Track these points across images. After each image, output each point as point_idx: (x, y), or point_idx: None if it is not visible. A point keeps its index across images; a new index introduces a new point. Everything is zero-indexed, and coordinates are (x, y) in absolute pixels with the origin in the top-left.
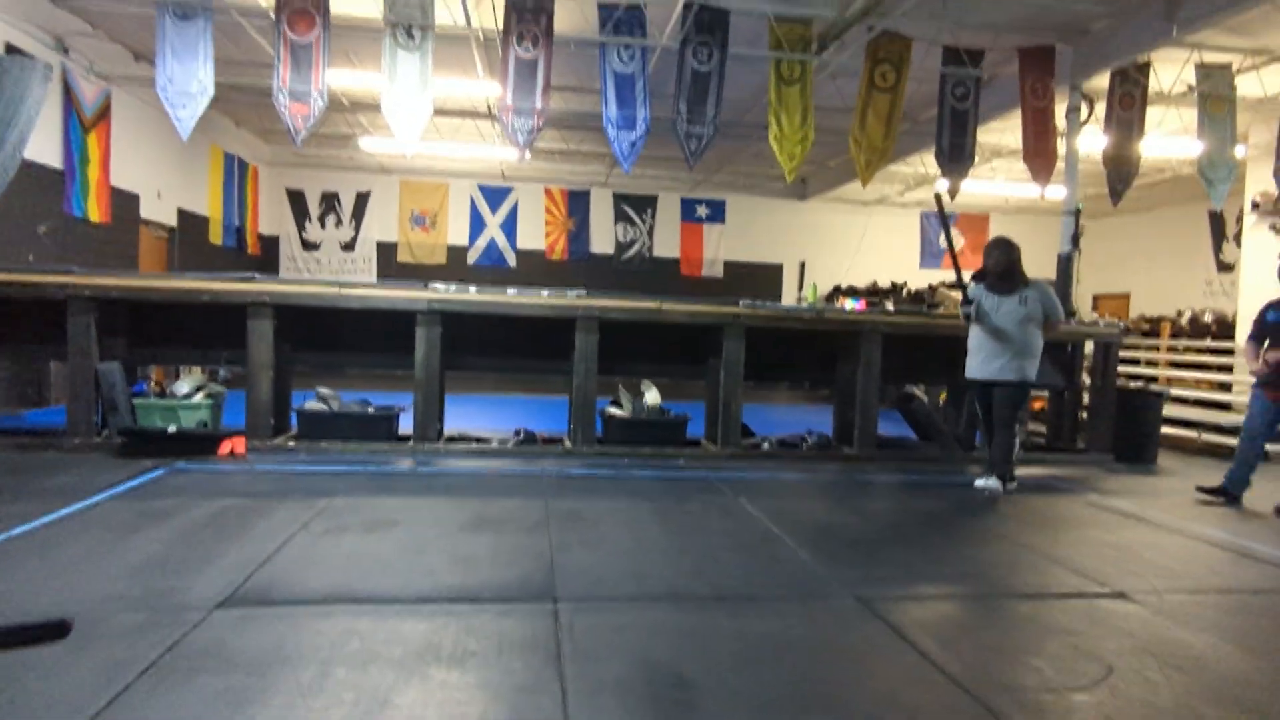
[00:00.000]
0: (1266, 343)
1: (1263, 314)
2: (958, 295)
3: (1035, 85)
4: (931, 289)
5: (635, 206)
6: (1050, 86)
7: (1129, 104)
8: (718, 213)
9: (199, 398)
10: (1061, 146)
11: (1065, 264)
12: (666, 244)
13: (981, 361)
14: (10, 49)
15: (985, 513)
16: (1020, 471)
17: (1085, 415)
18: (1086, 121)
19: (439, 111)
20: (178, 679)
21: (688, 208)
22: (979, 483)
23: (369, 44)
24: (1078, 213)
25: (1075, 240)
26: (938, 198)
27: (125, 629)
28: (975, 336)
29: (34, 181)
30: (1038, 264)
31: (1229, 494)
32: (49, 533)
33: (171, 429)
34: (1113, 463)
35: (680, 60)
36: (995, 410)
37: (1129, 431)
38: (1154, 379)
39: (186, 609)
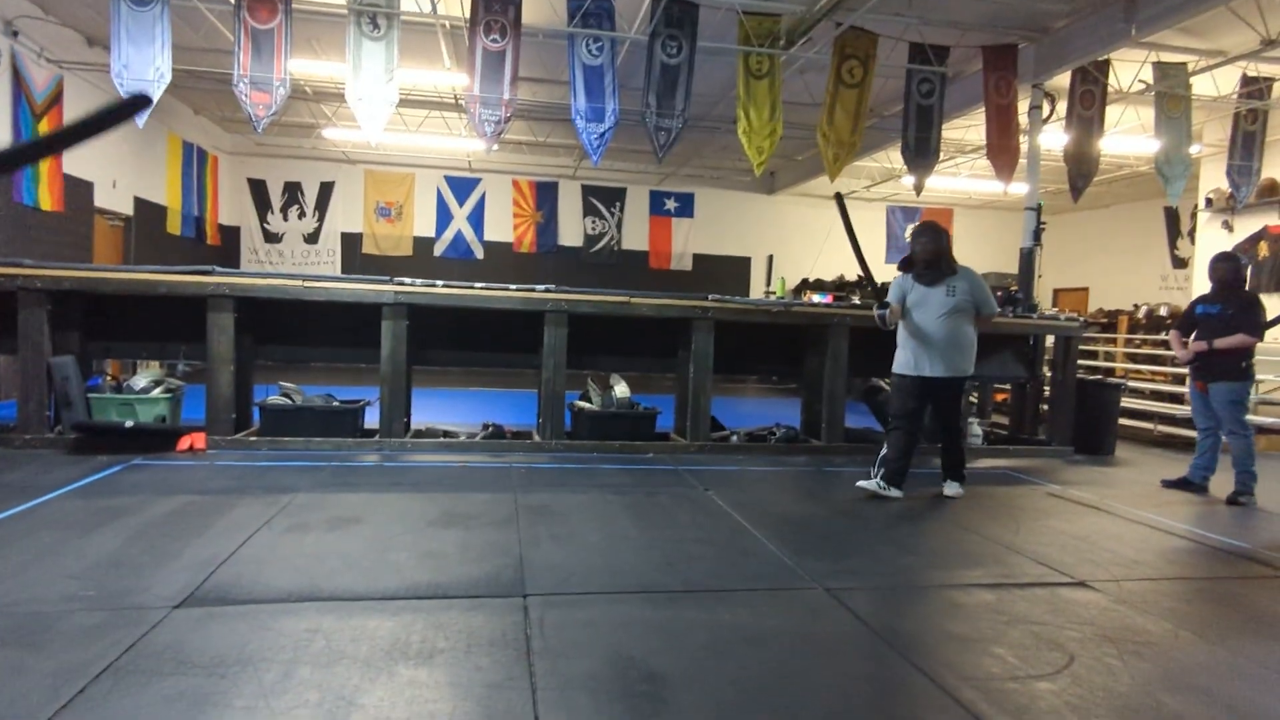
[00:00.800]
0: (1194, 334)
1: (1191, 307)
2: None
3: (999, 83)
4: None
5: (604, 199)
6: (1013, 84)
7: (1089, 102)
8: (686, 206)
9: (157, 392)
10: (1024, 143)
11: (1027, 258)
12: (635, 237)
13: (911, 356)
14: None
15: (949, 505)
16: (984, 463)
17: (1046, 407)
18: (1048, 119)
19: (405, 102)
20: (136, 681)
21: (656, 200)
22: (947, 491)
23: (333, 32)
24: (1039, 208)
25: (1037, 235)
26: (838, 198)
27: (82, 630)
28: (903, 330)
29: None
30: (1000, 258)
31: (1192, 484)
32: None
33: (128, 424)
34: (1073, 454)
35: (649, 53)
36: (945, 413)
37: (1088, 423)
38: (1112, 371)
39: (145, 609)
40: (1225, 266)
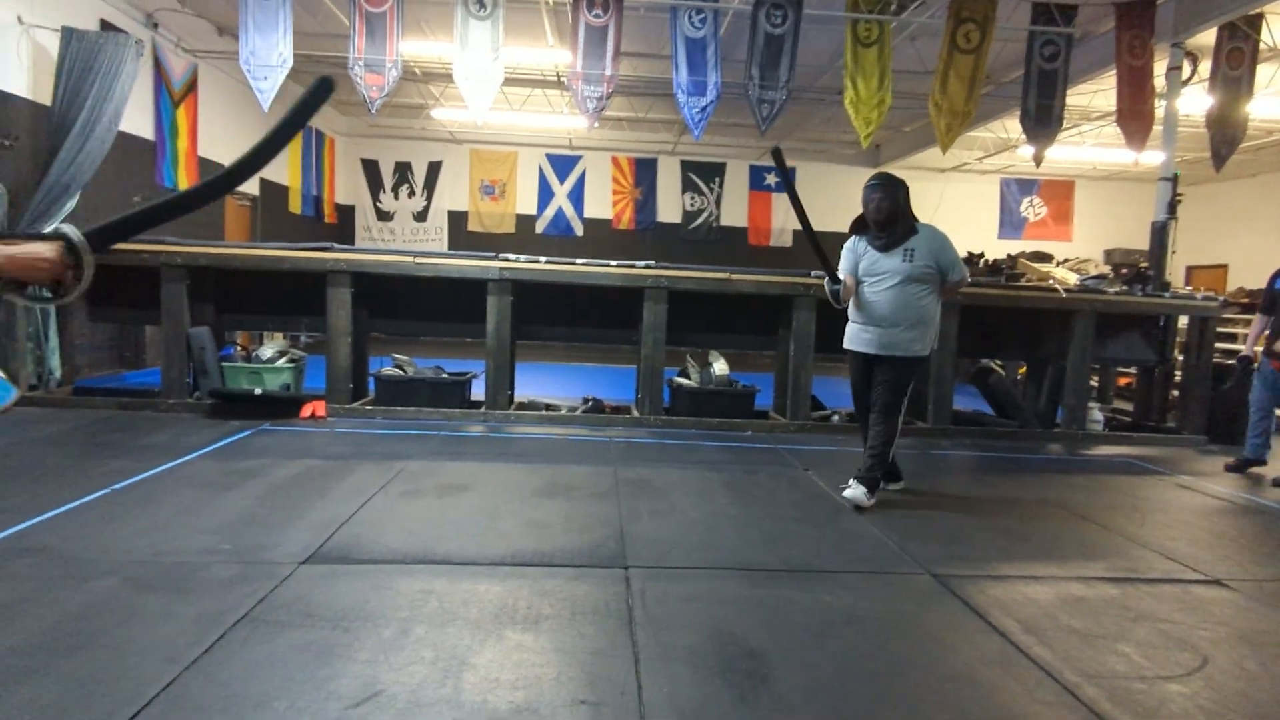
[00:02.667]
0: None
1: (1271, 282)
2: (1041, 267)
3: (1133, 42)
4: (1011, 259)
5: (703, 175)
6: (1149, 44)
7: (1238, 60)
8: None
9: (282, 362)
10: (1159, 108)
11: (1160, 233)
12: (734, 213)
13: (857, 331)
14: (105, 26)
15: (1068, 493)
16: (1105, 451)
17: (1176, 393)
18: (1188, 81)
19: (509, 80)
20: (269, 630)
21: (756, 175)
22: (846, 493)
23: (441, 13)
24: (1175, 179)
25: (1171, 208)
26: (775, 153)
27: (220, 581)
28: (858, 298)
29: (128, 153)
30: (1126, 234)
31: (1252, 461)
32: (148, 487)
33: (257, 392)
34: (1206, 444)
35: (753, 23)
36: (875, 392)
37: (1225, 411)
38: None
39: (275, 564)
40: None
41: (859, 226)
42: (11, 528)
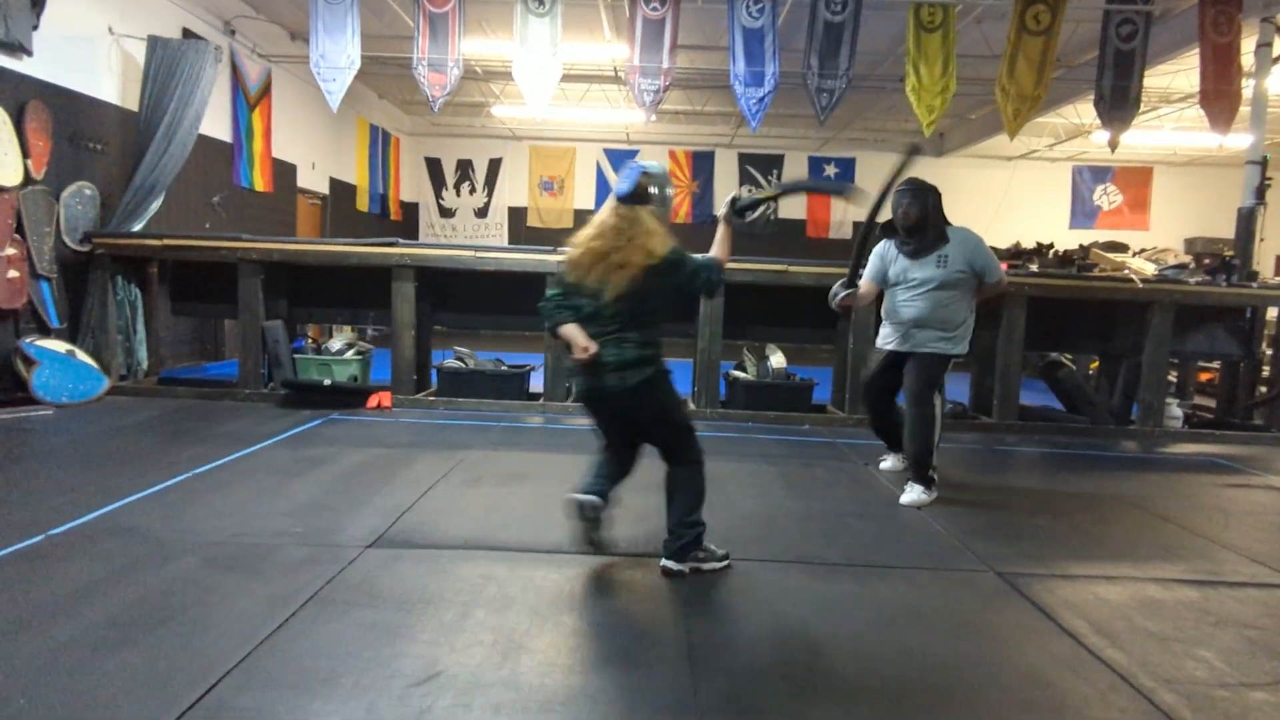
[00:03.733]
0: None
1: None
2: (1116, 257)
3: (1218, 18)
4: (1083, 249)
5: (761, 167)
6: (1236, 19)
7: None
8: (847, 171)
9: (350, 354)
10: (1247, 88)
11: (1247, 219)
12: (793, 205)
13: (889, 333)
14: (187, 34)
15: (1143, 492)
16: (1185, 449)
17: (1264, 389)
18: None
19: (567, 76)
20: (337, 610)
21: (815, 167)
22: (904, 499)
23: (501, 12)
24: (1265, 162)
25: (1260, 193)
26: (913, 150)
27: (291, 562)
28: (888, 304)
29: (208, 155)
30: (1208, 221)
31: None
32: (225, 473)
33: (327, 383)
34: None
35: (812, 11)
36: (905, 383)
37: None
38: None
39: (342, 547)
40: None
41: (888, 230)
42: (102, 508)
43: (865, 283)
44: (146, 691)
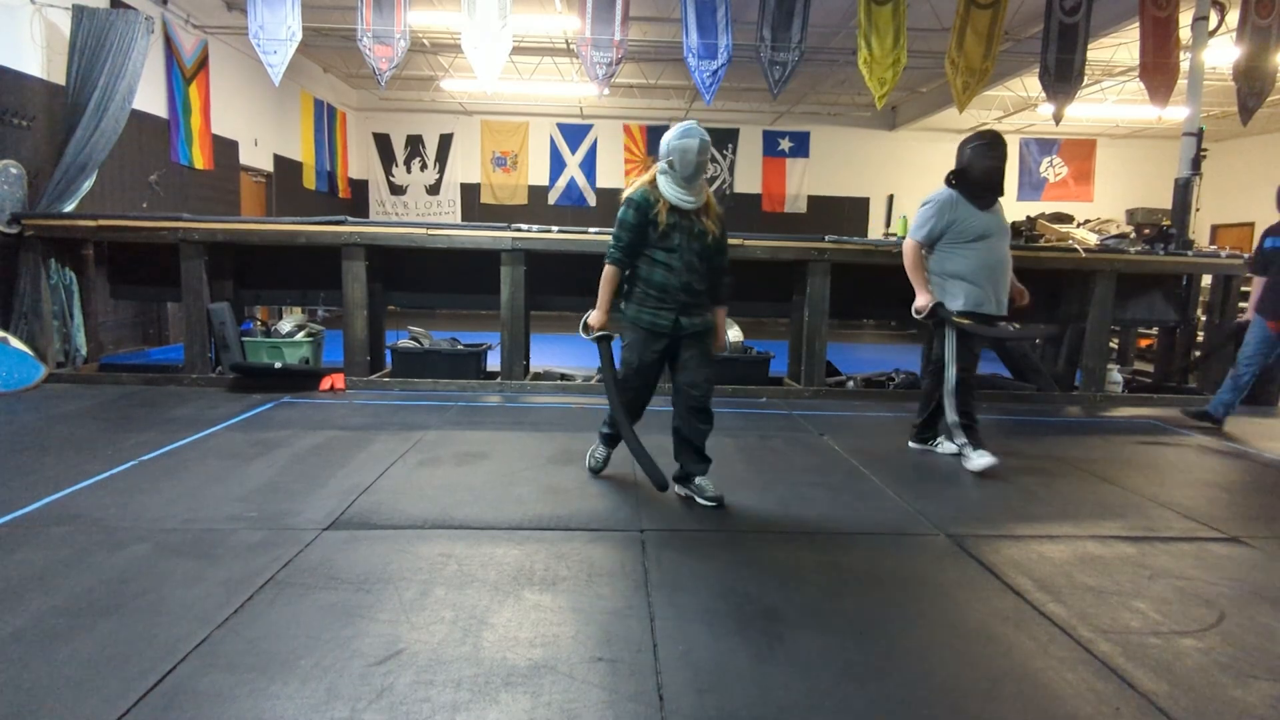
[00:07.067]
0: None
1: (1261, 241)
2: (1061, 228)
3: None
4: (1030, 220)
5: (716, 141)
6: None
7: (1267, 10)
8: (801, 145)
9: (300, 336)
10: (1184, 61)
11: (1183, 190)
12: (748, 179)
13: (979, 295)
14: (115, 3)
15: (1086, 454)
16: (1125, 413)
17: (1198, 354)
18: (1215, 32)
19: (518, 49)
20: (295, 592)
21: (770, 141)
22: (972, 465)
23: None
24: (1200, 133)
25: (1196, 164)
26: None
27: (246, 546)
28: (970, 260)
29: (143, 131)
30: (1148, 193)
31: (1214, 418)
32: (174, 459)
33: (277, 365)
34: None
35: None
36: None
37: None
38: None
39: (298, 530)
40: None
41: (956, 181)
42: (46, 497)
43: (932, 231)
44: (102, 678)
